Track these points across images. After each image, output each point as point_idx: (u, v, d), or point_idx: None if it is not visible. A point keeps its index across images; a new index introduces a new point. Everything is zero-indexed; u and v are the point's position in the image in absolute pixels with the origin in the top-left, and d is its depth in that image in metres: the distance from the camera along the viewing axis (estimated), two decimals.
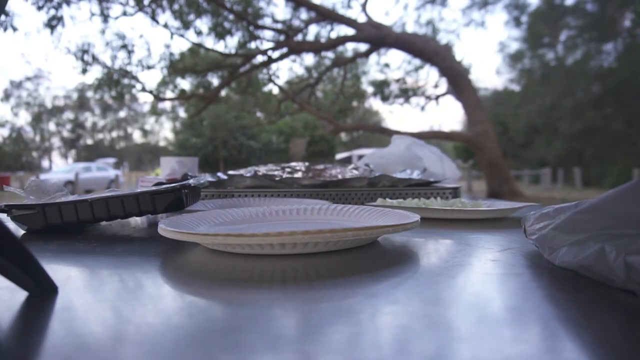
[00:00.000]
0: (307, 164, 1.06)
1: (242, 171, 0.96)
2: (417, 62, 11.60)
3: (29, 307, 0.25)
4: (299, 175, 0.93)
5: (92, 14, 8.26)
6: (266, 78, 11.07)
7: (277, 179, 0.90)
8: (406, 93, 12.31)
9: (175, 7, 8.55)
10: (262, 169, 0.97)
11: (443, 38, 12.73)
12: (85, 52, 9.20)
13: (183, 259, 0.38)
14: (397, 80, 12.37)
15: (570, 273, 0.30)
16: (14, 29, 7.75)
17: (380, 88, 12.45)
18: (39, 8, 7.63)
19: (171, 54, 9.91)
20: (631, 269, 0.24)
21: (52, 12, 7.75)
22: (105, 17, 8.50)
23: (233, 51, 9.37)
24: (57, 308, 0.24)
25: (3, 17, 7.36)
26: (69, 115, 32.62)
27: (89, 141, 34.88)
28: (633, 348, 0.19)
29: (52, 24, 7.83)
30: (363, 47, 8.97)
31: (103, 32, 9.11)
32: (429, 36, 10.17)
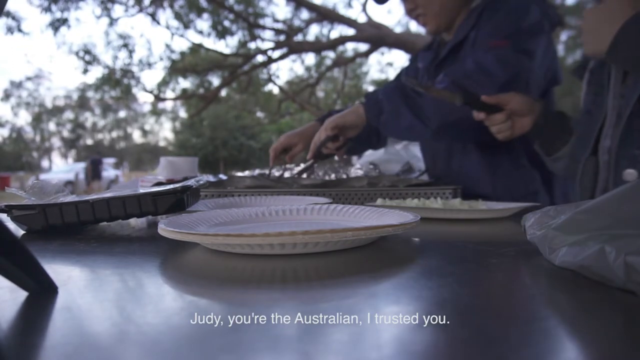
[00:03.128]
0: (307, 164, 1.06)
1: (246, 173, 0.97)
2: None
3: (29, 307, 0.25)
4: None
5: (98, 16, 8.24)
6: (266, 78, 11.07)
7: (277, 176, 0.90)
8: None
9: (176, 7, 8.55)
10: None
11: None
12: (87, 52, 9.20)
13: (183, 259, 0.38)
14: None
15: (570, 273, 0.30)
16: (23, 33, 7.78)
17: None
18: (46, 11, 7.63)
19: (172, 52, 9.90)
20: (631, 269, 0.24)
21: (58, 14, 7.75)
22: (111, 20, 8.50)
23: (233, 51, 9.37)
24: (57, 308, 0.24)
25: (11, 22, 7.38)
26: (69, 115, 32.62)
27: (89, 141, 34.85)
28: (633, 348, 0.19)
29: (56, 25, 7.83)
30: (363, 47, 8.97)
31: (107, 33, 9.12)
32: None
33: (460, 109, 0.86)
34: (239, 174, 0.96)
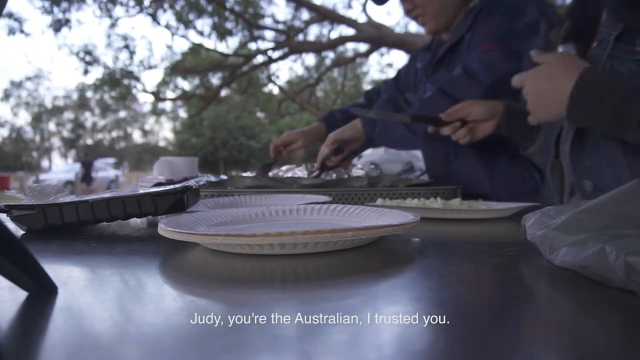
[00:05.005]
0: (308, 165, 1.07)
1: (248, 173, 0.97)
2: None
3: (29, 307, 0.25)
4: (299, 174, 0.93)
5: (100, 17, 8.24)
6: (266, 78, 11.09)
7: (278, 176, 0.90)
8: None
9: (177, 7, 8.55)
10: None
11: None
12: (87, 53, 9.20)
13: (183, 259, 0.38)
14: None
15: (570, 273, 0.30)
16: (25, 34, 7.79)
17: None
18: (47, 12, 7.63)
19: (173, 53, 9.91)
20: (631, 269, 0.24)
21: (60, 15, 7.76)
22: (115, 20, 8.50)
23: (234, 51, 9.37)
24: (57, 308, 0.24)
25: (13, 23, 7.40)
26: (69, 115, 32.61)
27: (89, 141, 34.82)
28: (633, 348, 0.19)
29: (57, 26, 7.83)
30: (363, 47, 8.97)
31: (109, 34, 9.12)
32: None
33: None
34: (244, 174, 0.97)
